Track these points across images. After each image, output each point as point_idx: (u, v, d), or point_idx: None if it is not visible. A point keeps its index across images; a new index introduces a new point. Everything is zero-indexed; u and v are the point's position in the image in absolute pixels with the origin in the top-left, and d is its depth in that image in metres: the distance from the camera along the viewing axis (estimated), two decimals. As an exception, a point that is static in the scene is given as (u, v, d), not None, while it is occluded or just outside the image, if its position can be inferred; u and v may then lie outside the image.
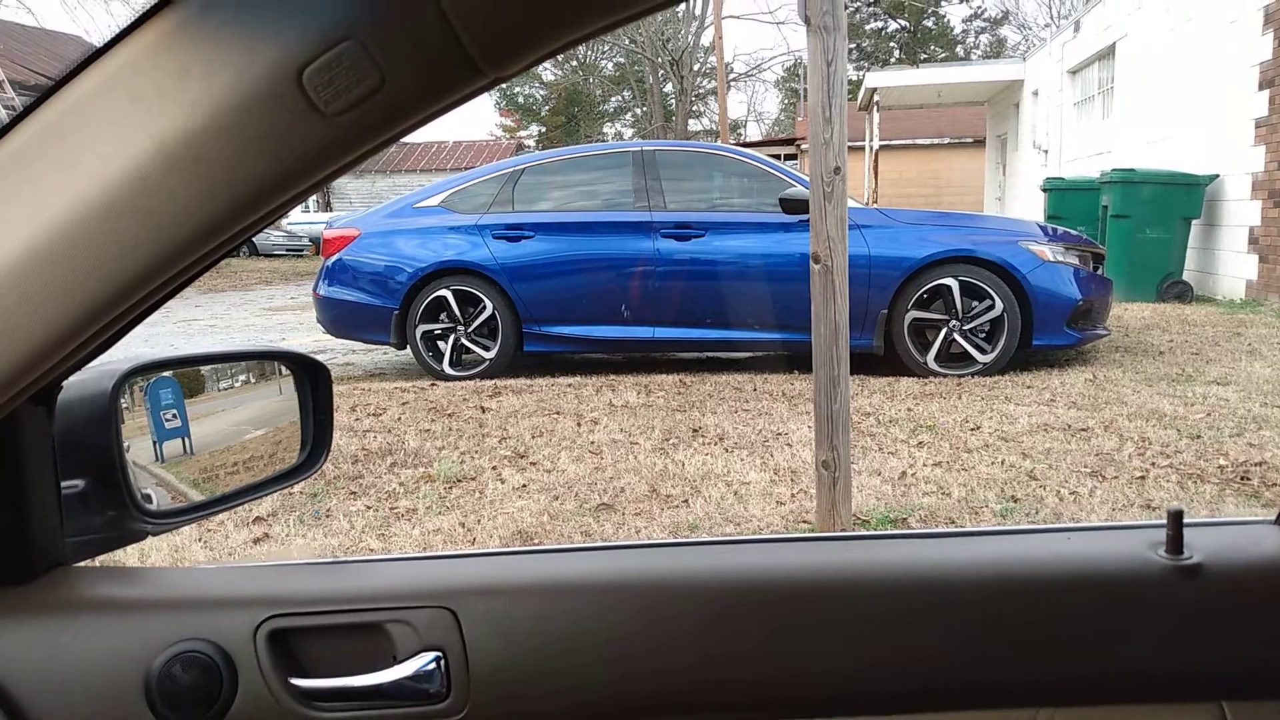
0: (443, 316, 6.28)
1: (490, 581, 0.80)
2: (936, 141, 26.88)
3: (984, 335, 5.76)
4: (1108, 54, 13.96)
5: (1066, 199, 11.15)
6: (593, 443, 4.38)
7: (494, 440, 4.50)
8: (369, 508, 3.55)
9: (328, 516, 3.47)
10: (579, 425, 4.74)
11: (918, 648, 0.78)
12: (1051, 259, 5.75)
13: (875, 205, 9.11)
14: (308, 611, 0.76)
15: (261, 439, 1.05)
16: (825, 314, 2.91)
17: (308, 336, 8.72)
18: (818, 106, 2.82)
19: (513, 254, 6.21)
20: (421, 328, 6.25)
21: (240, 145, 0.49)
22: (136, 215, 0.52)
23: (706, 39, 32.80)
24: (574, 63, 40.49)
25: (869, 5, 42.04)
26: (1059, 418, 4.54)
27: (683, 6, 33.41)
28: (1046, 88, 17.17)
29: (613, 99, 44.15)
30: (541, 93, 42.98)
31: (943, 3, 42.94)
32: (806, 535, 1.01)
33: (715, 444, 4.30)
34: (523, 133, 41.39)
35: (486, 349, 6.24)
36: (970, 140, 26.15)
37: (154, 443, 0.92)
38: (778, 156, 11.79)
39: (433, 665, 0.76)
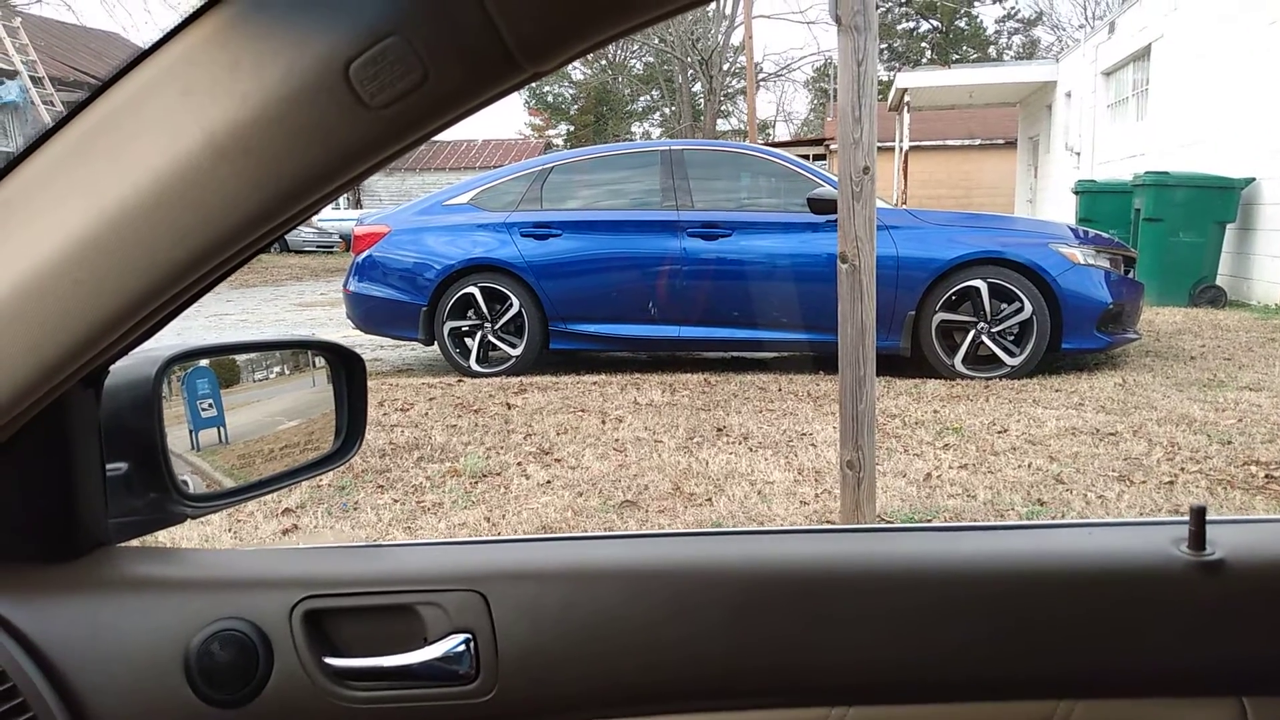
0: (470, 313, 6.32)
1: (520, 567, 0.81)
2: (967, 143, 26.66)
3: (1013, 338, 5.72)
4: (1143, 55, 13.79)
5: (1098, 202, 11.03)
6: (617, 440, 4.40)
7: (519, 436, 4.53)
8: (396, 501, 3.59)
9: (355, 509, 3.51)
10: (604, 423, 4.76)
11: (941, 639, 0.79)
12: (1082, 262, 5.70)
13: (904, 206, 9.05)
14: (342, 593, 0.79)
15: (295, 429, 1.07)
16: (852, 314, 2.91)
17: (337, 332, 8.80)
18: (847, 106, 2.82)
19: (540, 252, 6.25)
20: (449, 324, 6.30)
21: (288, 136, 0.51)
22: (187, 204, 0.54)
23: (736, 38, 32.76)
24: (603, 62, 40.55)
25: (901, 5, 41.78)
26: (1087, 421, 4.50)
27: (713, 6, 33.41)
28: (1080, 89, 16.99)
29: (641, 98, 44.18)
30: (570, 92, 43.09)
31: (975, 3, 42.59)
32: (833, 526, 1.02)
33: (739, 443, 4.31)
34: (551, 131, 41.49)
35: (513, 346, 6.28)
36: (1002, 142, 25.92)
37: (190, 431, 0.94)
38: (806, 157, 11.75)
39: (462, 647, 0.77)
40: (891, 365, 5.67)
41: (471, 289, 6.26)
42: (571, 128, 42.49)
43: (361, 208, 26.27)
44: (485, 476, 3.89)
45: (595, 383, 5.85)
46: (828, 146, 26.61)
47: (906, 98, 18.94)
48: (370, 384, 1.07)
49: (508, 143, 32.58)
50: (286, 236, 24.75)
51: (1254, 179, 9.35)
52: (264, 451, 1.04)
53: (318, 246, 24.14)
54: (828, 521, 3.25)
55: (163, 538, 0.95)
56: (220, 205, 0.54)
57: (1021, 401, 5.03)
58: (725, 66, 34.51)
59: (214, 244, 0.56)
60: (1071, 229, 6.22)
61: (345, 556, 0.84)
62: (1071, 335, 5.65)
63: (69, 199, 0.56)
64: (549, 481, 3.79)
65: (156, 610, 0.77)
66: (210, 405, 0.97)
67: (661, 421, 4.75)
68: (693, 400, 5.27)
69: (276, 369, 1.11)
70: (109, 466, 0.80)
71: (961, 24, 43.24)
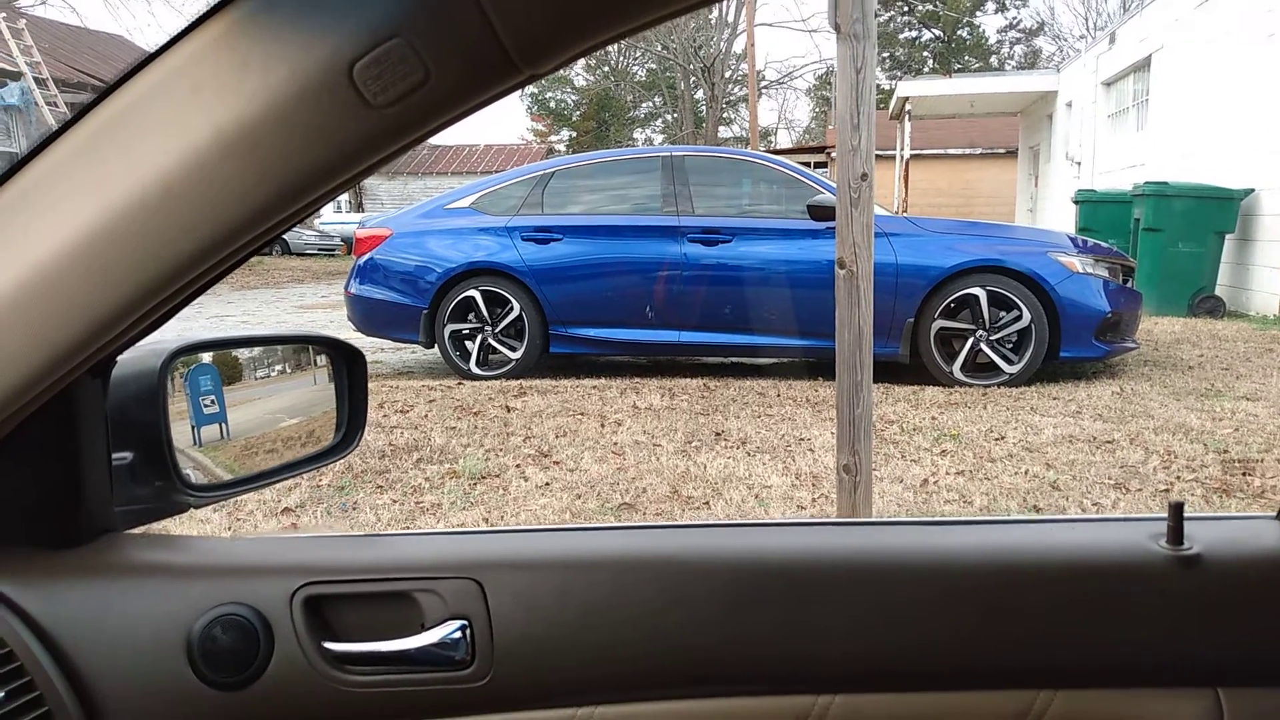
0: (471, 316, 6.34)
1: (516, 555, 0.83)
2: (968, 152, 26.69)
3: (1011, 346, 5.73)
4: (1143, 66, 13.83)
5: (1098, 211, 11.05)
6: (616, 444, 4.42)
7: (518, 439, 4.55)
8: (395, 501, 3.61)
9: (354, 509, 3.53)
10: (602, 426, 4.77)
11: (927, 630, 0.81)
12: (1081, 271, 5.72)
13: (904, 214, 9.07)
14: (341, 580, 0.80)
15: (295, 427, 1.09)
16: (849, 319, 2.93)
17: (338, 334, 8.82)
18: (846, 113, 2.84)
19: (541, 256, 6.27)
20: (450, 327, 6.32)
21: (294, 134, 0.53)
22: (194, 199, 0.56)
23: (739, 46, 32.82)
24: (605, 68, 40.65)
25: (903, 14, 41.86)
26: (1084, 429, 4.52)
27: (715, 13, 33.46)
28: (1080, 99, 17.03)
29: (643, 105, 44.24)
30: (573, 98, 43.17)
31: (978, 13, 42.67)
32: (822, 520, 1.04)
33: (737, 448, 4.32)
34: (553, 137, 41.57)
35: (513, 349, 6.30)
36: (1002, 151, 25.94)
37: (192, 427, 0.96)
38: (807, 164, 11.78)
39: (458, 634, 0.79)
40: (890, 372, 5.69)
41: (472, 292, 6.28)
42: (573, 133, 42.54)
43: (363, 211, 26.31)
44: (484, 478, 3.91)
45: (594, 386, 5.87)
46: (829, 154, 26.64)
47: (908, 106, 18.98)
48: (370, 386, 1.09)
49: (510, 148, 32.62)
50: (288, 239, 24.62)
51: (1253, 190, 9.38)
52: (264, 448, 1.05)
53: (319, 249, 24.17)
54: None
55: (166, 525, 0.97)
56: (227, 200, 0.56)
57: (1019, 409, 5.05)
58: (727, 74, 34.58)
59: (221, 237, 0.58)
60: (1071, 238, 6.24)
61: (345, 545, 0.86)
62: (1070, 344, 5.67)
63: (81, 193, 0.58)
64: (548, 484, 3.81)
65: (160, 595, 0.79)
66: (213, 401, 0.99)
67: (660, 425, 4.76)
68: (691, 405, 5.29)
69: (278, 367, 1.13)
70: (115, 455, 0.82)
71: (963, 33, 43.31)
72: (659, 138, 43.87)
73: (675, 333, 6.18)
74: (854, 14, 2.73)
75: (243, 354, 1.09)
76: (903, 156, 19.12)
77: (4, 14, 18.11)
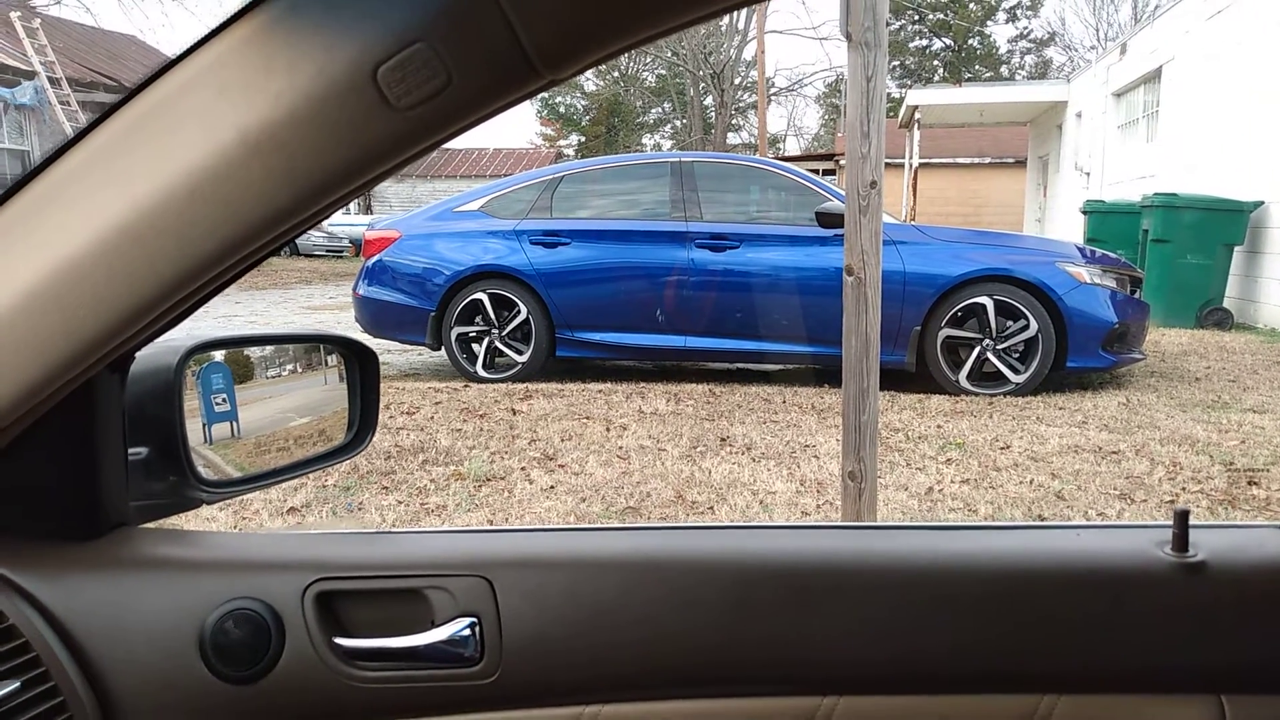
0: (478, 319, 6.36)
1: (525, 554, 0.84)
2: (977, 161, 26.67)
3: (1017, 355, 5.73)
4: (1154, 77, 13.82)
5: (1107, 222, 11.04)
6: (621, 448, 4.42)
7: (524, 442, 4.56)
8: (400, 502, 3.62)
9: (360, 509, 3.54)
10: (608, 430, 4.78)
11: (930, 634, 0.82)
12: (1088, 281, 5.71)
13: (912, 222, 9.07)
14: (352, 576, 0.81)
15: (306, 426, 1.10)
16: (857, 326, 2.93)
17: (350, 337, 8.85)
18: (856, 121, 2.85)
19: (549, 260, 6.29)
20: (457, 330, 6.34)
21: (318, 135, 0.54)
22: (219, 198, 0.57)
23: (749, 53, 32.88)
24: (615, 74, 40.71)
25: (914, 23, 41.88)
26: (1090, 440, 4.51)
27: (725, 20, 33.52)
28: (1090, 110, 17.02)
29: (653, 110, 44.30)
30: (582, 103, 43.24)
31: (989, 22, 42.67)
32: (828, 523, 1.05)
33: (742, 453, 4.33)
34: (562, 142, 41.63)
35: (519, 353, 6.32)
36: (1011, 160, 25.92)
37: (204, 425, 0.97)
38: (816, 171, 11.77)
39: (468, 631, 0.80)
40: (896, 380, 5.69)
41: (480, 295, 6.30)
42: (583, 138, 42.62)
43: (372, 213, 26.36)
44: (489, 480, 3.92)
45: (600, 390, 5.88)
46: (837, 162, 26.64)
47: (917, 115, 18.98)
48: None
49: (519, 152, 32.67)
50: (297, 240, 24.86)
51: (1263, 202, 9.37)
52: (275, 446, 1.06)
53: (327, 250, 24.23)
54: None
55: (176, 524, 0.97)
56: (250, 200, 0.57)
57: (1025, 418, 5.04)
58: (737, 80, 34.63)
59: (244, 236, 0.59)
60: (1079, 248, 6.25)
61: (356, 542, 0.87)
62: (1076, 354, 5.66)
63: (106, 190, 0.59)
64: (552, 487, 3.82)
65: (174, 589, 0.80)
66: (224, 400, 1.00)
67: (665, 430, 4.77)
68: (697, 410, 5.29)
69: (289, 366, 1.14)
70: (131, 450, 0.83)
71: (974, 43, 43.31)
72: (668, 144, 43.92)
73: (682, 338, 6.19)
74: (865, 22, 2.74)
75: (254, 353, 1.10)
76: (911, 165, 19.12)
77: (18, 13, 18.22)
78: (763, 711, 0.83)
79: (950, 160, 26.36)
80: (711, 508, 3.54)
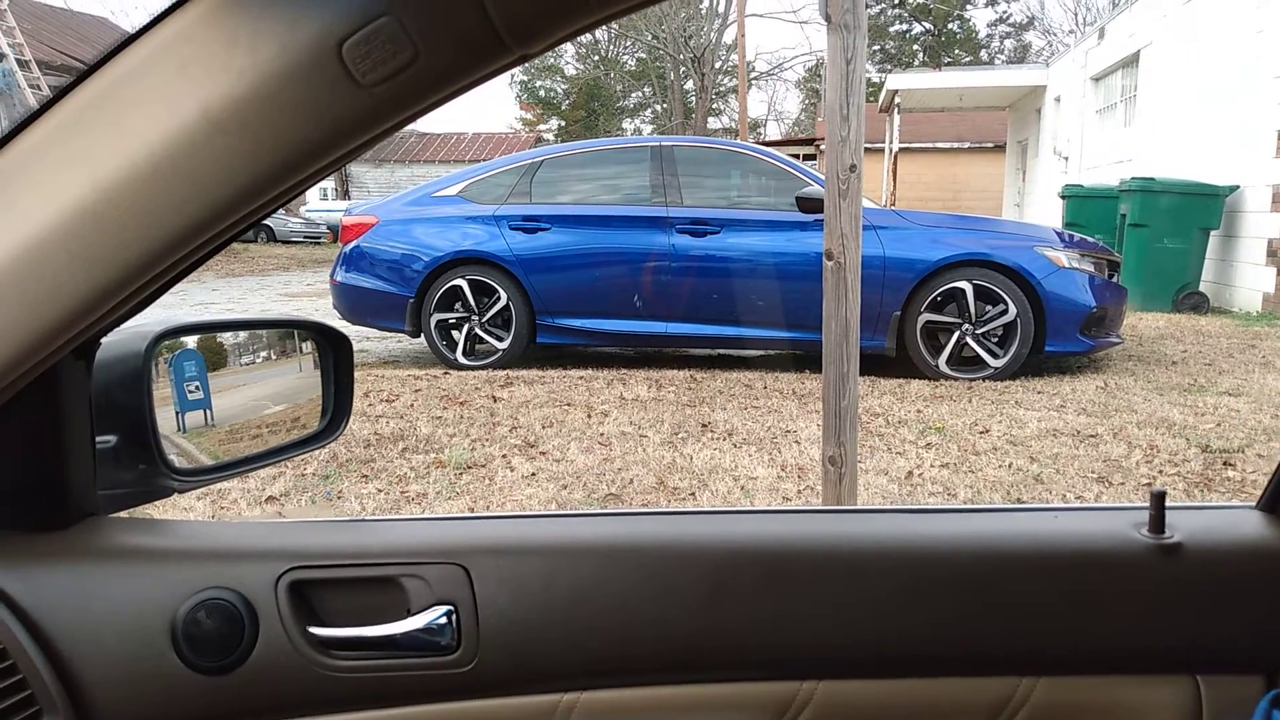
0: (457, 306, 6.32)
1: (501, 541, 0.83)
2: (956, 145, 26.76)
3: (996, 340, 5.76)
4: (1131, 62, 13.89)
5: (1085, 206, 11.10)
6: (602, 434, 4.42)
7: (505, 429, 4.54)
8: (380, 491, 3.60)
9: (339, 498, 3.52)
10: (589, 417, 4.77)
11: (908, 617, 0.82)
12: (1067, 265, 5.74)
13: (892, 207, 9.07)
14: (326, 564, 0.80)
15: (280, 414, 1.08)
16: (836, 311, 2.93)
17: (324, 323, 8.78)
18: (835, 104, 2.84)
19: (529, 245, 6.25)
20: (436, 316, 6.30)
21: (282, 112, 0.52)
22: (182, 177, 0.55)
23: (729, 37, 32.78)
24: (595, 57, 40.52)
25: (894, 7, 41.87)
26: (1068, 423, 4.55)
27: (705, 3, 33.39)
28: (1069, 94, 17.09)
29: (633, 95, 44.13)
30: (562, 87, 43.02)
31: (968, 7, 42.72)
32: (806, 507, 1.05)
33: (724, 439, 4.33)
34: (542, 126, 41.41)
35: (500, 339, 6.29)
36: (990, 145, 26.03)
37: (177, 413, 0.95)
38: (797, 156, 11.77)
39: (444, 619, 0.79)
40: (876, 365, 5.71)
41: (459, 281, 6.26)
42: (563, 123, 42.41)
43: (349, 198, 26.16)
44: (470, 468, 3.90)
45: (581, 377, 5.87)
46: (818, 146, 26.66)
47: (897, 99, 19.01)
48: (356, 374, 1.09)
49: (498, 136, 32.51)
50: (273, 226, 24.43)
51: (1238, 186, 9.44)
52: (249, 434, 1.05)
53: (305, 237, 24.03)
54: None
55: (148, 514, 0.96)
56: (214, 178, 0.55)
57: (1004, 403, 5.07)
58: (717, 64, 34.53)
59: (208, 216, 0.57)
60: (1057, 233, 6.27)
61: (330, 530, 0.86)
62: (1055, 338, 5.70)
63: (65, 170, 0.57)
64: (533, 474, 3.80)
65: (144, 579, 0.78)
66: (197, 388, 0.98)
67: (647, 417, 4.77)
68: (678, 396, 5.29)
69: (263, 353, 1.13)
70: (99, 439, 0.81)
71: (954, 27, 43.37)
72: (648, 128, 43.79)
73: (663, 324, 6.18)
74: (845, 4, 2.73)
75: (228, 341, 1.08)
76: (891, 150, 19.16)
77: (-14, -5, 17.89)
78: (742, 696, 0.83)
79: (930, 145, 26.44)
80: (693, 493, 3.54)
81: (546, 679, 0.81)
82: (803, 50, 49.41)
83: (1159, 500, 0.83)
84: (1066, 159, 16.79)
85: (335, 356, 1.03)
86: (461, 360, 6.28)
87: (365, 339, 7.72)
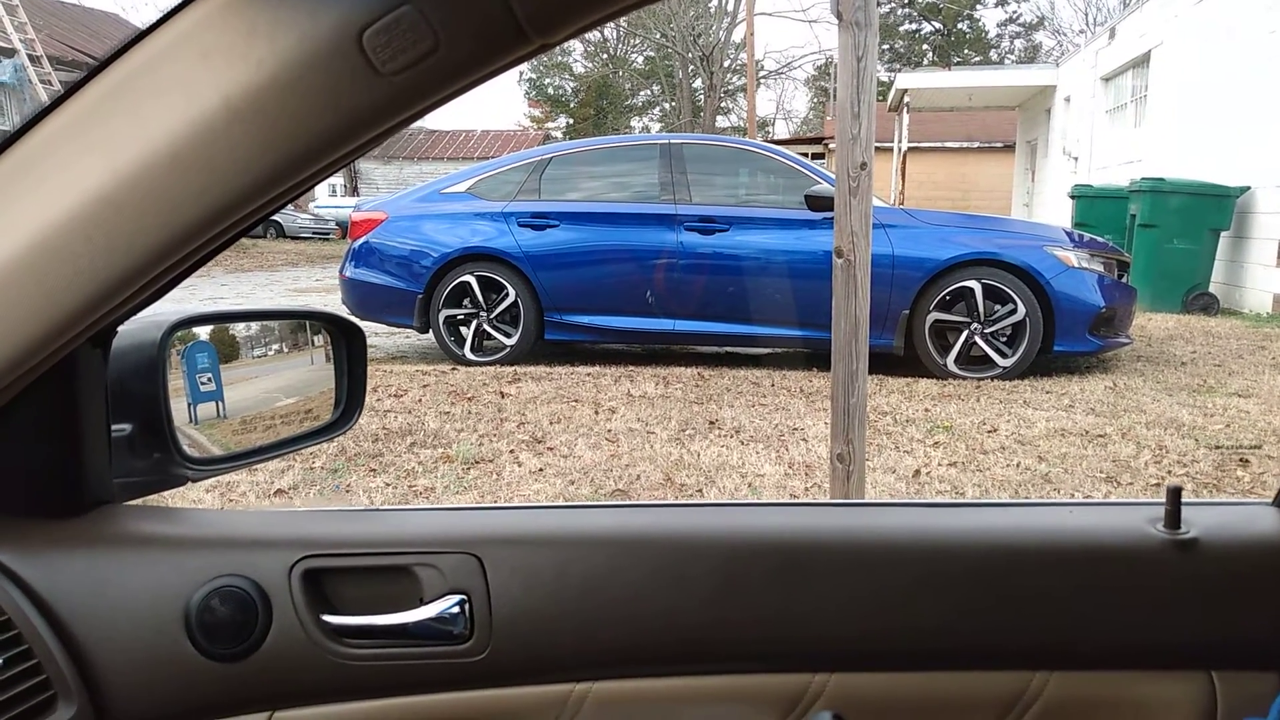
0: (466, 302, 6.33)
1: (515, 531, 0.83)
2: (966, 145, 26.67)
3: (1005, 339, 5.75)
4: (1142, 62, 13.83)
5: (1095, 206, 11.07)
6: (610, 431, 4.42)
7: (512, 425, 4.55)
8: (388, 485, 3.61)
9: (348, 491, 3.53)
10: (597, 413, 4.78)
11: (921, 610, 0.82)
12: (1076, 265, 5.73)
13: (901, 206, 9.05)
14: (340, 553, 0.80)
15: (291, 406, 1.09)
16: (846, 309, 2.93)
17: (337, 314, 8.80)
18: (846, 102, 2.83)
19: (537, 242, 6.26)
20: (445, 312, 6.31)
21: (302, 101, 0.52)
22: (201, 165, 0.55)
23: (738, 35, 32.72)
24: (604, 55, 40.50)
25: (904, 6, 41.77)
26: (1077, 423, 4.53)
27: (714, 1, 33.34)
28: (1079, 94, 17.02)
29: (641, 93, 44.10)
30: (571, 85, 43.00)
31: (978, 6, 42.58)
32: (817, 501, 1.05)
33: (731, 436, 4.33)
34: (550, 124, 41.41)
35: (508, 335, 6.29)
36: (1000, 145, 25.94)
37: (189, 404, 0.96)
38: (805, 155, 11.74)
39: (457, 608, 0.79)
40: (884, 364, 5.69)
41: (468, 278, 6.27)
42: (571, 120, 42.39)
43: (358, 195, 26.20)
44: (478, 463, 3.91)
45: (589, 374, 5.87)
46: (826, 145, 26.61)
47: (906, 98, 18.95)
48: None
49: (507, 133, 32.51)
50: (282, 222, 24.44)
51: (1249, 188, 9.40)
52: (261, 426, 1.05)
53: (314, 233, 24.07)
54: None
55: (160, 502, 0.96)
56: (233, 167, 0.55)
57: (1012, 402, 5.06)
58: (726, 63, 34.48)
59: (226, 205, 0.57)
60: (1066, 232, 6.25)
61: (344, 519, 0.86)
62: (1064, 338, 5.68)
63: (85, 158, 0.58)
64: (541, 469, 3.81)
65: (159, 566, 0.79)
66: (209, 380, 0.98)
67: (654, 413, 4.77)
68: (686, 393, 5.29)
69: (275, 346, 1.13)
70: (114, 427, 0.81)
71: (964, 27, 43.24)
72: (656, 126, 43.73)
73: (671, 321, 6.18)
74: (856, 2, 2.72)
75: (240, 333, 1.08)
76: (900, 149, 19.10)
77: (-2, -10, 17.95)
78: (753, 688, 0.83)
79: (939, 144, 26.35)
80: (700, 490, 3.54)
81: (558, 669, 0.82)
82: (812, 49, 49.25)
83: (1175, 495, 0.83)
84: (1076, 159, 16.72)
85: (348, 347, 1.03)
86: (469, 356, 6.28)
87: (374, 334, 7.74)
